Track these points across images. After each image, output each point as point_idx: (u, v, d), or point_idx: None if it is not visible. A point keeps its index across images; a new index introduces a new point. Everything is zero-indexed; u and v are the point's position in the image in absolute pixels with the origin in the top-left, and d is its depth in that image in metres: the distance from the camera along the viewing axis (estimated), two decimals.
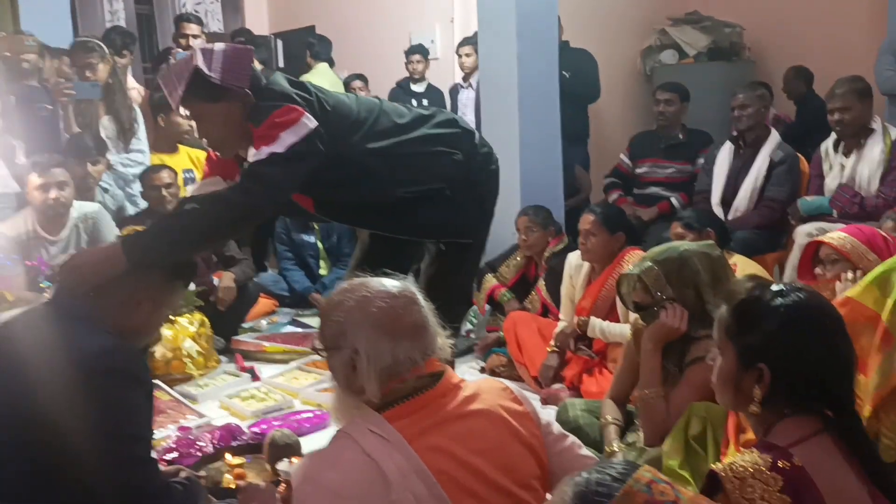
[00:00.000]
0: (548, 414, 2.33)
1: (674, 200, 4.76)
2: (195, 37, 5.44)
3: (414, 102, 6.16)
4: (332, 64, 6.50)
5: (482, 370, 3.93)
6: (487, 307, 4.26)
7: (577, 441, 1.73)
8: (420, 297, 1.64)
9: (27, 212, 3.92)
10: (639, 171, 4.96)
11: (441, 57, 6.83)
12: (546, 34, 4.45)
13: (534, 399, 3.42)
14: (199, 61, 2.38)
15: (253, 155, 2.44)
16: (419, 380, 1.57)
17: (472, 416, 1.58)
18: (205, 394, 3.57)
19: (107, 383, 1.78)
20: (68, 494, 1.77)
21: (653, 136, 5.02)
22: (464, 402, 1.59)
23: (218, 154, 2.67)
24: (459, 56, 6.18)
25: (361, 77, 6.47)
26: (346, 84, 6.40)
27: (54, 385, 1.75)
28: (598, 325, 3.42)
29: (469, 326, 4.55)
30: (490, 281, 4.18)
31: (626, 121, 6.20)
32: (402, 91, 6.42)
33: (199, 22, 5.56)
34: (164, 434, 3.00)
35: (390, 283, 1.64)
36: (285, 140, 2.38)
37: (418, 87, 6.50)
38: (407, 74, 6.51)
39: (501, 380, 1.76)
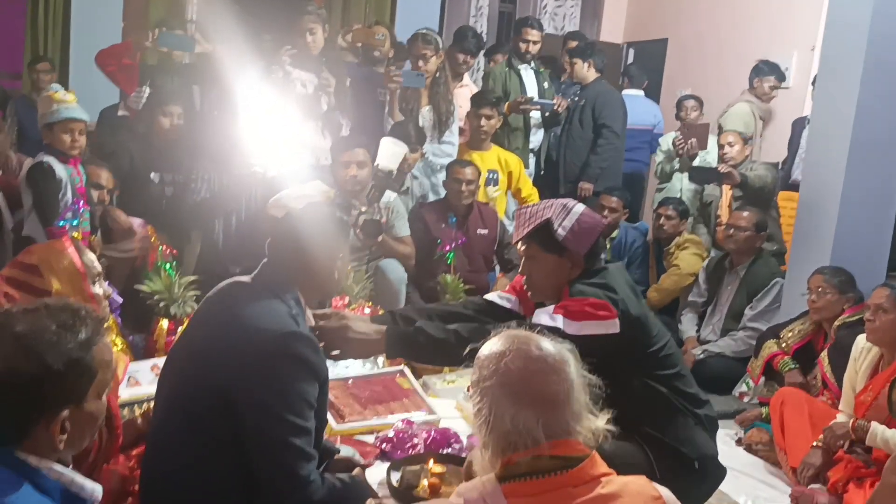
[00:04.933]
0: None
1: None
2: (535, 42, 5.51)
3: None
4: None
5: (739, 441, 3.54)
6: (763, 377, 3.82)
7: None
8: (571, 368, 1.47)
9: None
10: None
11: (793, 86, 6.20)
12: None
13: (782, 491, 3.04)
14: (554, 214, 2.43)
15: (546, 315, 2.34)
16: (536, 460, 1.40)
17: None
18: (447, 390, 3.65)
19: (277, 365, 1.87)
20: (234, 461, 1.89)
21: None
22: (597, 500, 1.41)
23: (528, 293, 2.61)
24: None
25: (696, 98, 6.11)
26: (679, 102, 6.10)
27: (233, 357, 1.88)
28: (880, 432, 2.87)
29: (744, 388, 4.13)
30: (770, 347, 3.72)
31: None
32: None
33: (540, 28, 5.61)
34: (390, 421, 3.11)
35: (537, 344, 1.48)
36: (584, 329, 2.26)
37: None
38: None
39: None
